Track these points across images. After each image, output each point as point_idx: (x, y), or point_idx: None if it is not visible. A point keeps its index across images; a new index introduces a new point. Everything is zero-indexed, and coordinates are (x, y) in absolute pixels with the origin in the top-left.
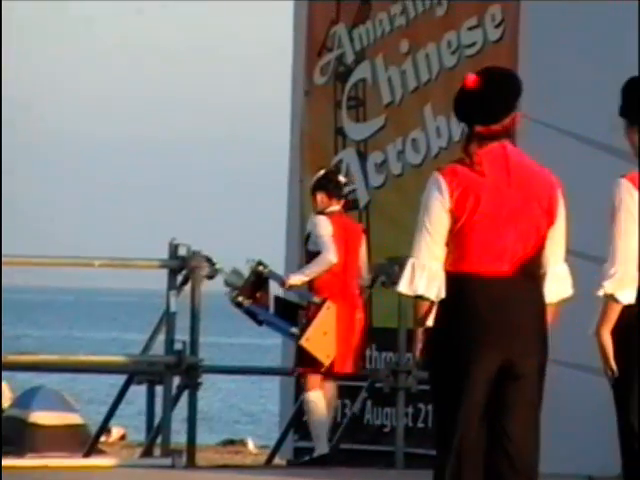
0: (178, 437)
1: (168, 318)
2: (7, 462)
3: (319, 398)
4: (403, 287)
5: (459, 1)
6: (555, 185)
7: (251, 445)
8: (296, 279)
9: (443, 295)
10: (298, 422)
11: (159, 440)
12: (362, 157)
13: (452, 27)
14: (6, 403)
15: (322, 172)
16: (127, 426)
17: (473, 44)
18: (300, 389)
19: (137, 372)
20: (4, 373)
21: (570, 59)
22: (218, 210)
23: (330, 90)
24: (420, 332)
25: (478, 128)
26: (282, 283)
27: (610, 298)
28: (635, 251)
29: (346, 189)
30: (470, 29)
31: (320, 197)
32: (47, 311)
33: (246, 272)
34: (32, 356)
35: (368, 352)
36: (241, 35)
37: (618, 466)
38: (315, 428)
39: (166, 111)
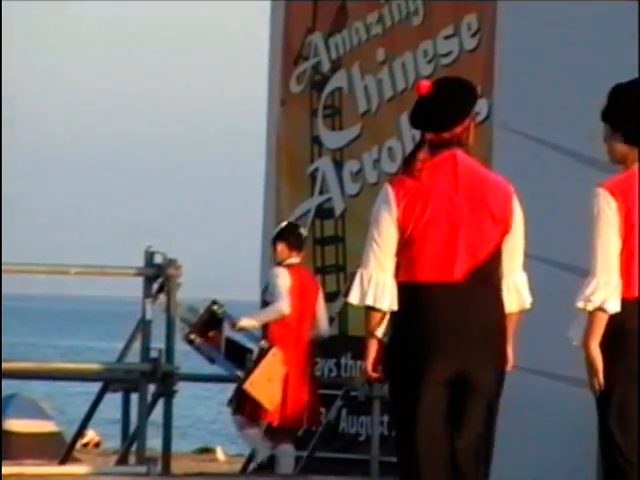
0: (153, 445)
1: (144, 326)
2: None
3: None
4: (352, 298)
5: (435, 10)
6: (509, 194)
7: (220, 454)
8: (246, 322)
9: (395, 306)
10: (272, 430)
11: (134, 448)
12: (338, 165)
13: (428, 36)
14: None
15: (284, 223)
16: (102, 434)
17: (449, 53)
18: None
19: (113, 380)
20: None
21: (546, 68)
22: (195, 217)
23: (306, 99)
24: (371, 343)
25: (429, 135)
26: (233, 324)
27: (597, 309)
28: (616, 260)
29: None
30: (446, 38)
31: (280, 248)
32: (21, 319)
33: (202, 309)
34: (6, 363)
35: (343, 360)
36: (217, 42)
37: (584, 472)
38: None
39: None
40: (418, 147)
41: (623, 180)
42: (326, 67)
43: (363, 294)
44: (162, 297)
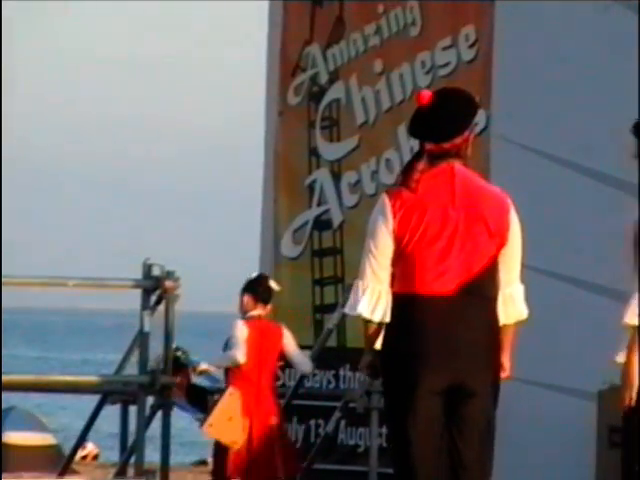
0: (152, 457)
1: (142, 338)
2: None
3: None
4: (348, 308)
5: (433, 21)
6: (506, 206)
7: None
8: (204, 366)
9: (387, 319)
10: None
11: (133, 460)
12: (336, 177)
13: (426, 47)
14: None
15: (253, 275)
16: (101, 446)
17: (447, 64)
18: None
19: (111, 392)
20: None
21: (544, 79)
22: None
23: (304, 110)
24: (367, 353)
25: (429, 146)
26: (193, 368)
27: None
28: None
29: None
30: (444, 49)
31: (246, 299)
32: (19, 331)
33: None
34: (4, 376)
35: (342, 372)
36: (215, 55)
37: None
38: None
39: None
40: (416, 157)
41: None
42: (324, 79)
43: (357, 305)
44: (160, 309)
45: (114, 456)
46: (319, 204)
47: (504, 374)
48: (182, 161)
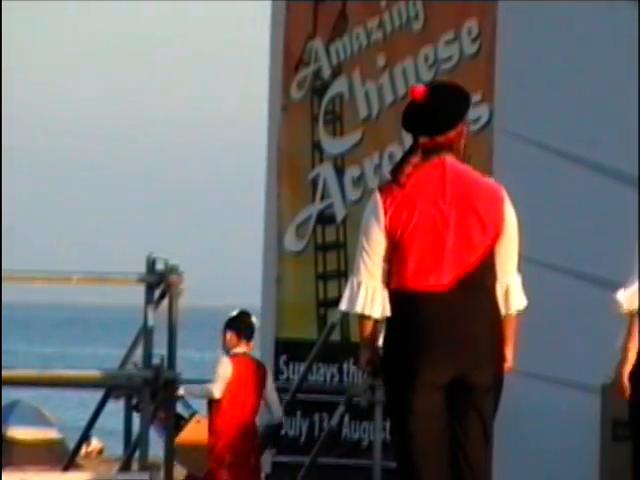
0: (156, 451)
1: (146, 333)
2: None
3: None
4: (343, 305)
5: (436, 15)
6: (500, 198)
7: None
8: (180, 392)
9: (388, 313)
10: (276, 437)
11: (137, 455)
12: (339, 172)
13: (429, 41)
14: None
15: (235, 312)
16: (105, 441)
17: (450, 58)
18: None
19: (115, 387)
20: None
21: (547, 72)
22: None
23: (307, 105)
24: (365, 349)
25: (423, 140)
26: None
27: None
28: None
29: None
30: (447, 43)
31: (229, 336)
32: (23, 327)
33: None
34: (8, 371)
35: (346, 366)
36: (218, 50)
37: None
38: None
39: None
40: (410, 152)
41: None
42: (327, 73)
43: (352, 301)
44: (164, 303)
45: (118, 451)
46: (322, 198)
47: (507, 365)
48: (184, 155)
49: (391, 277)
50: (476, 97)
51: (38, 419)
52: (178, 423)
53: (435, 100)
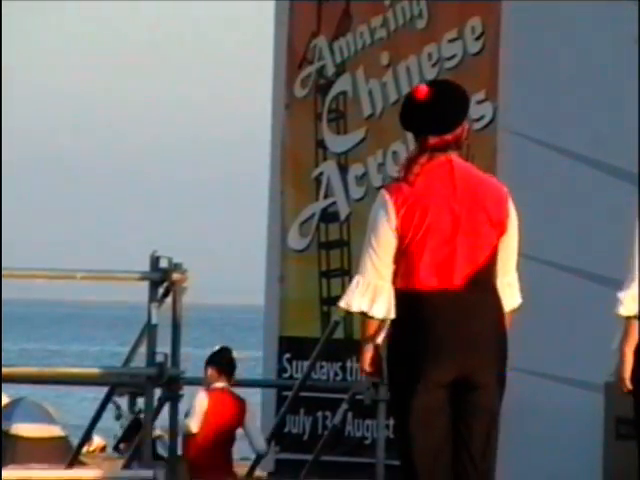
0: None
1: (149, 330)
2: None
3: None
4: (345, 303)
5: (439, 13)
6: (504, 196)
7: None
8: (158, 432)
9: (393, 314)
10: (279, 434)
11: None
12: (343, 170)
13: (433, 39)
14: None
15: (217, 348)
16: (108, 438)
17: (453, 56)
18: (281, 402)
19: (119, 384)
20: None
21: (551, 70)
22: (200, 222)
23: (311, 103)
24: (367, 348)
25: (432, 139)
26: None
27: (632, 317)
28: None
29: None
30: (450, 41)
31: (210, 372)
32: (27, 324)
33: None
34: (13, 368)
35: (349, 364)
36: (221, 47)
37: (592, 474)
38: None
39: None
40: (419, 152)
41: None
42: (330, 71)
43: (358, 301)
44: (168, 301)
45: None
46: (326, 196)
47: None
48: (189, 153)
49: (397, 277)
50: (480, 95)
51: (42, 416)
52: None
53: (440, 99)
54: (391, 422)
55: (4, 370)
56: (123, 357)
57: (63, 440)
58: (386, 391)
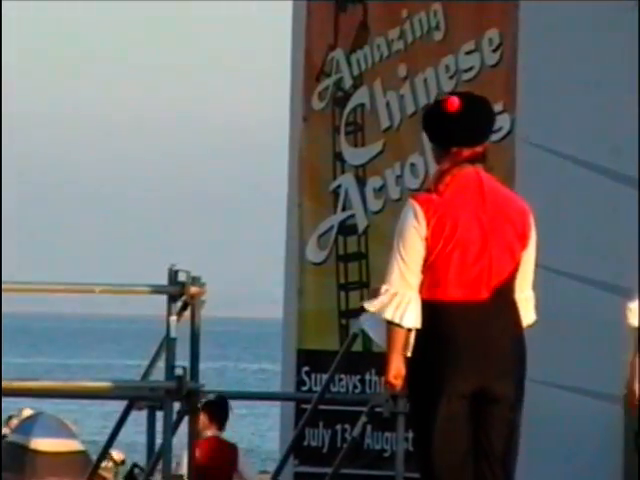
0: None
1: (168, 344)
2: None
3: None
4: (372, 306)
5: (456, 25)
6: (527, 211)
7: None
8: None
9: (419, 324)
10: (298, 447)
11: (160, 466)
12: (361, 182)
13: (450, 51)
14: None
15: (212, 396)
16: (127, 452)
17: (471, 68)
18: (300, 415)
19: (138, 398)
20: (4, 400)
21: (569, 82)
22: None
23: (328, 115)
24: (393, 359)
25: (465, 151)
26: None
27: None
28: None
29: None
30: (468, 53)
31: (202, 418)
32: (46, 338)
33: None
34: (32, 382)
35: (368, 376)
36: (238, 59)
37: None
38: None
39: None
40: (451, 164)
41: None
42: (348, 83)
43: (383, 307)
44: (186, 315)
45: (141, 462)
46: (344, 209)
47: None
48: (206, 166)
49: (424, 286)
50: (497, 107)
51: (61, 430)
52: None
53: (472, 111)
54: (410, 435)
55: (25, 384)
56: (141, 371)
57: (82, 454)
58: (405, 403)
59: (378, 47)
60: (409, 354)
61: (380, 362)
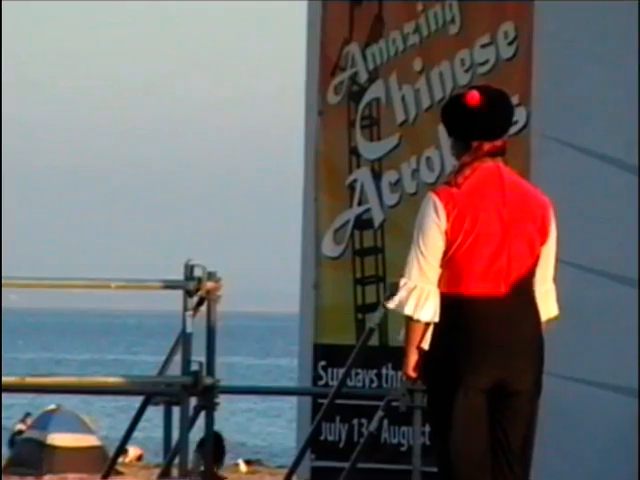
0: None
1: (184, 339)
2: None
3: None
4: (392, 304)
5: (472, 19)
6: (547, 204)
7: (242, 467)
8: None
9: (437, 318)
10: (315, 441)
11: (176, 461)
12: (376, 176)
13: (465, 45)
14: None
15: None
16: (144, 447)
17: (486, 62)
18: (317, 410)
19: (154, 393)
20: (24, 396)
21: (585, 75)
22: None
23: (344, 109)
24: (411, 351)
25: (486, 145)
26: None
27: None
28: None
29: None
30: (483, 47)
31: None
32: (62, 333)
33: None
34: (49, 378)
35: (384, 371)
36: (254, 54)
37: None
38: None
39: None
40: (473, 158)
41: None
42: (363, 78)
43: (402, 302)
44: (202, 310)
45: (158, 457)
46: (360, 203)
47: None
48: (221, 159)
49: (443, 280)
50: (513, 100)
51: (78, 426)
52: None
53: (492, 104)
54: (427, 429)
55: (42, 380)
56: (158, 366)
57: (99, 449)
58: (422, 398)
59: (393, 41)
60: (426, 347)
61: (396, 356)
